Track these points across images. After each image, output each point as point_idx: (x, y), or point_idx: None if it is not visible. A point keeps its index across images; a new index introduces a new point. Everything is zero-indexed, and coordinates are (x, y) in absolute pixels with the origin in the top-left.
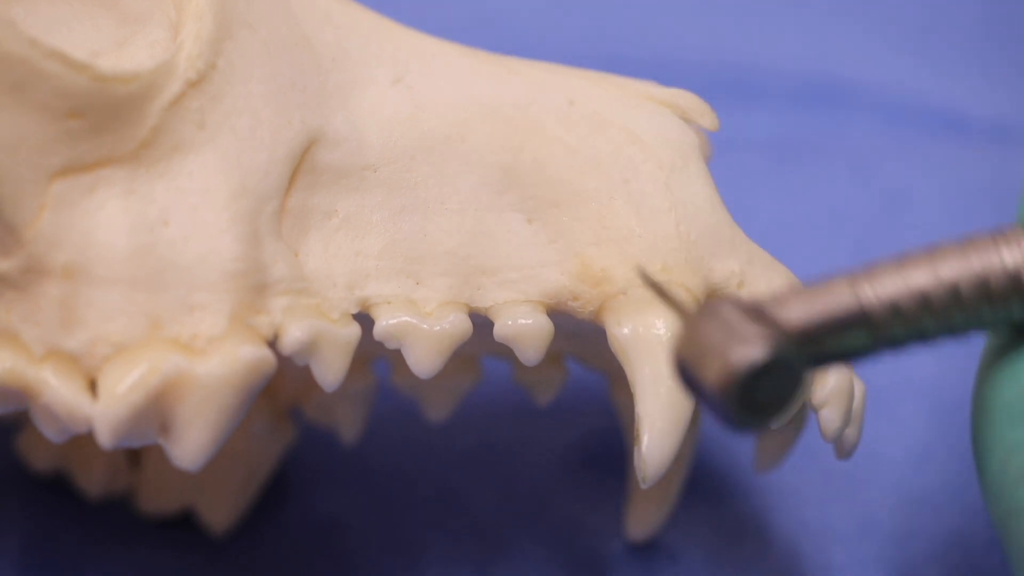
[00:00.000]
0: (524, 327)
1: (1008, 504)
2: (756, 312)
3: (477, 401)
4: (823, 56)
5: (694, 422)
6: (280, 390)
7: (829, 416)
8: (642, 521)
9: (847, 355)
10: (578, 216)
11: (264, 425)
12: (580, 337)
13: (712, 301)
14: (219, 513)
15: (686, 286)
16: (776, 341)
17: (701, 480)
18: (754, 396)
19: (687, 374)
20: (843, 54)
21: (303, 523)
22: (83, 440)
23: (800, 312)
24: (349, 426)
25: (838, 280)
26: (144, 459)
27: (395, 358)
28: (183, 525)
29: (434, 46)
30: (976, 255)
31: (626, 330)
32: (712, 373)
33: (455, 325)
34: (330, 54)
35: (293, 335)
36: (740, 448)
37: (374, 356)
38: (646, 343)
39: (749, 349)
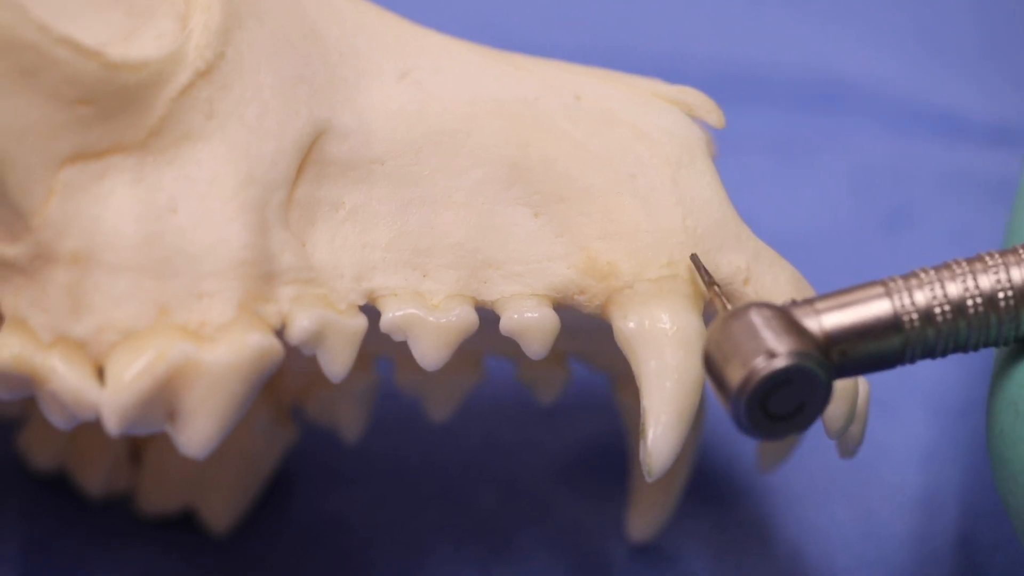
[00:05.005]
0: (530, 320)
1: None
2: (787, 318)
3: (480, 401)
4: (824, 56)
5: (697, 421)
6: (282, 388)
7: (833, 414)
8: (644, 522)
9: (878, 361)
10: (585, 211)
11: (266, 424)
12: (584, 335)
13: (747, 302)
14: (220, 513)
15: (692, 281)
16: (801, 352)
17: (703, 481)
18: (774, 405)
19: (712, 371)
20: (844, 54)
21: (304, 523)
22: (84, 438)
23: (833, 317)
24: (351, 425)
25: (872, 284)
26: (145, 458)
27: (399, 356)
28: (183, 525)
29: (442, 42)
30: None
31: (632, 324)
32: (733, 377)
33: (461, 318)
34: (338, 48)
35: (301, 324)
36: (743, 449)
37: (377, 353)
38: (652, 337)
39: (770, 359)
